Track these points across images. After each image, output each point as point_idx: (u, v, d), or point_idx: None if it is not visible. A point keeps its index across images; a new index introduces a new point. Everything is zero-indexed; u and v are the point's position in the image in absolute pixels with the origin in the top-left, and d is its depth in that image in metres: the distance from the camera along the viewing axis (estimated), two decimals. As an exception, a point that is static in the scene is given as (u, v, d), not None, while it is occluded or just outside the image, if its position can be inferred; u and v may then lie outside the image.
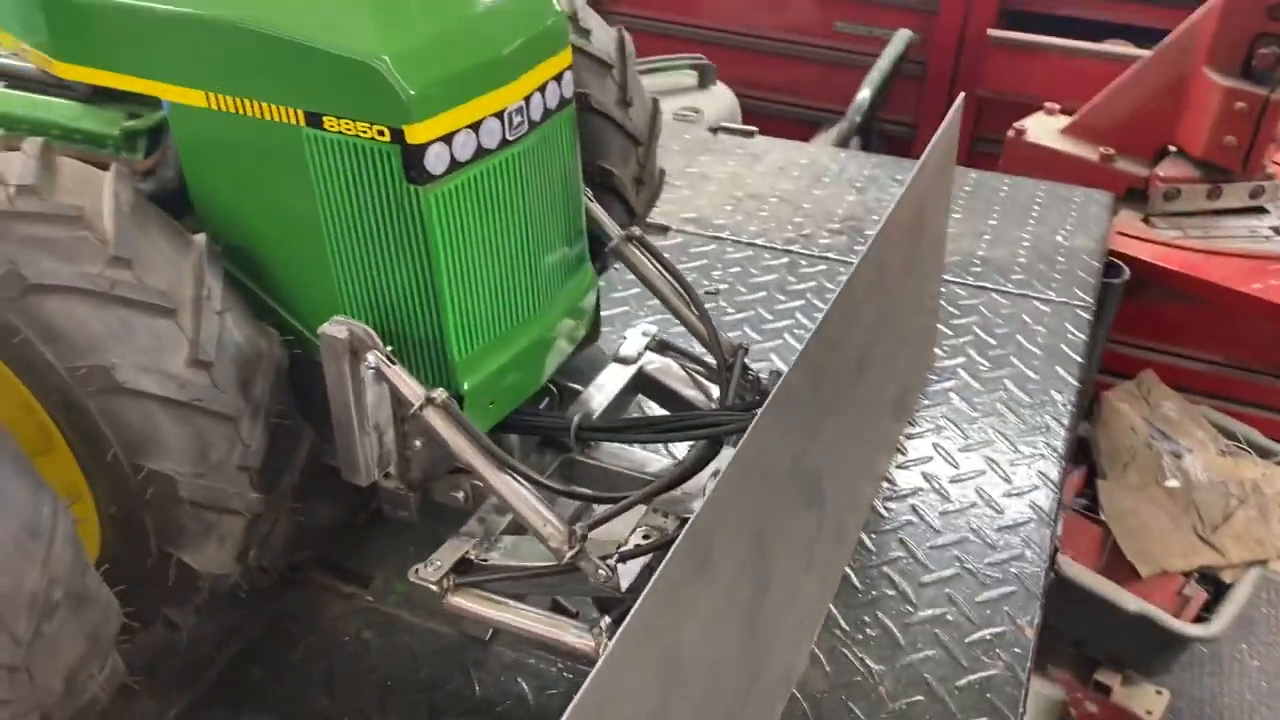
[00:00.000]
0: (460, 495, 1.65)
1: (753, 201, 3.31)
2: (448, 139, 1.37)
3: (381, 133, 1.34)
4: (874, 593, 1.91)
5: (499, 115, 1.43)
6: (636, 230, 1.81)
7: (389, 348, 1.44)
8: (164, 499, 1.42)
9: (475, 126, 1.40)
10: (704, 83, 4.43)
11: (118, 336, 1.37)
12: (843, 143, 3.88)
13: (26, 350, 1.36)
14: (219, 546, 1.53)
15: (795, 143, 3.73)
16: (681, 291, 1.81)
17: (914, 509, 2.09)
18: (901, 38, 4.26)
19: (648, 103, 2.37)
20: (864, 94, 3.89)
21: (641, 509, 1.56)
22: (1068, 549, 3.76)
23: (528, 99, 1.47)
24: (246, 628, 1.87)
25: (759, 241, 3.06)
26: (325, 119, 1.37)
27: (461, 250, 1.44)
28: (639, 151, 2.32)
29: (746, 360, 1.78)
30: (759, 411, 1.30)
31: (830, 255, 2.98)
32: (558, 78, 1.54)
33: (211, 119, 1.47)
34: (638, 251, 1.81)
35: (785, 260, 2.96)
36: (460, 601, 1.52)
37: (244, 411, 1.47)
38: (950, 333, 2.63)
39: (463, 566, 1.55)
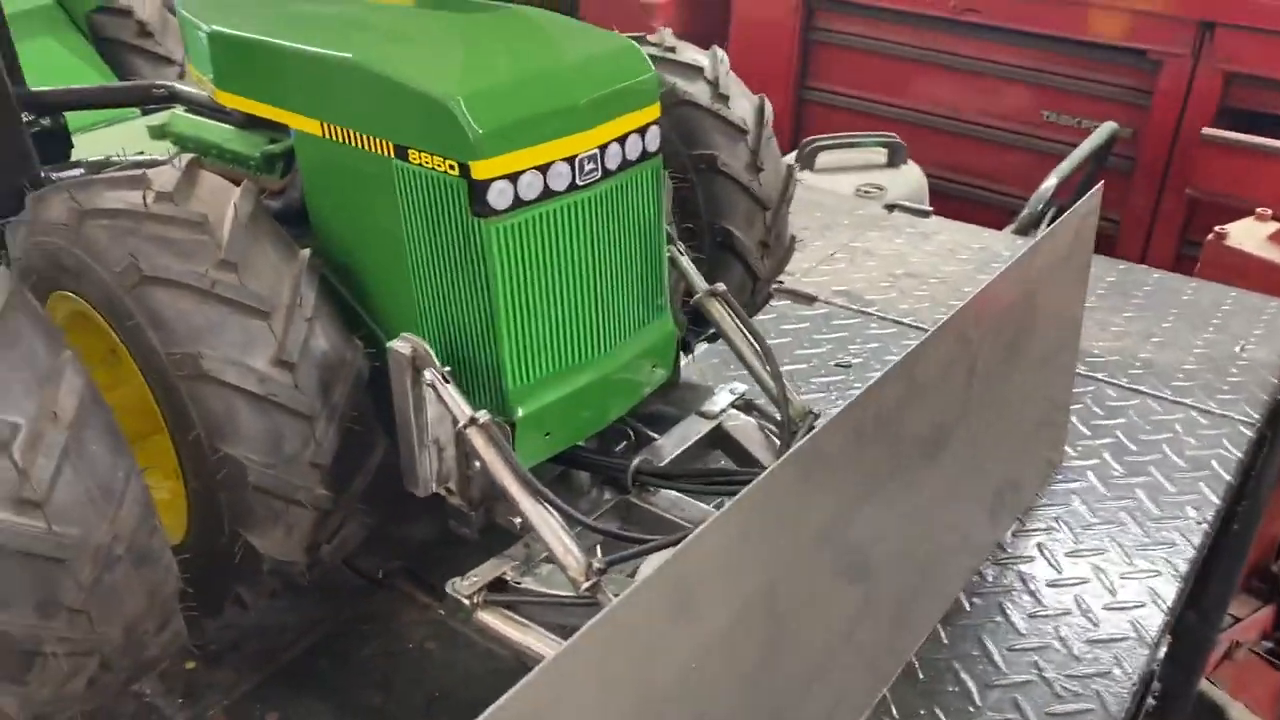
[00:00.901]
0: (517, 521, 1.71)
1: (911, 280, 3.25)
2: (513, 178, 1.46)
3: (453, 167, 1.45)
4: (936, 685, 1.82)
5: (569, 160, 1.51)
6: (721, 287, 1.85)
7: (448, 368, 1.54)
8: (234, 481, 1.56)
9: (544, 169, 1.49)
10: (894, 161, 4.40)
11: (212, 330, 1.52)
12: (1024, 230, 3.74)
13: (137, 334, 1.55)
14: (286, 535, 1.65)
15: (971, 226, 3.63)
16: (760, 351, 1.83)
17: (1000, 607, 1.99)
18: (1105, 130, 4.08)
19: (781, 170, 2.40)
20: (1050, 183, 3.75)
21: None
22: (1240, 695, 3.42)
23: (603, 148, 1.55)
24: (326, 622, 2.00)
25: (906, 320, 3.00)
26: (410, 152, 1.50)
27: (522, 283, 1.52)
28: (766, 216, 2.36)
29: (817, 425, 1.76)
30: (775, 463, 1.30)
31: (978, 341, 2.88)
32: (641, 131, 1.61)
33: (325, 147, 1.63)
34: (721, 307, 1.84)
35: (928, 341, 2.88)
36: (487, 618, 1.58)
37: (321, 412, 1.60)
38: (1089, 433, 2.49)
39: (498, 585, 1.61)
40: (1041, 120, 4.57)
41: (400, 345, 1.53)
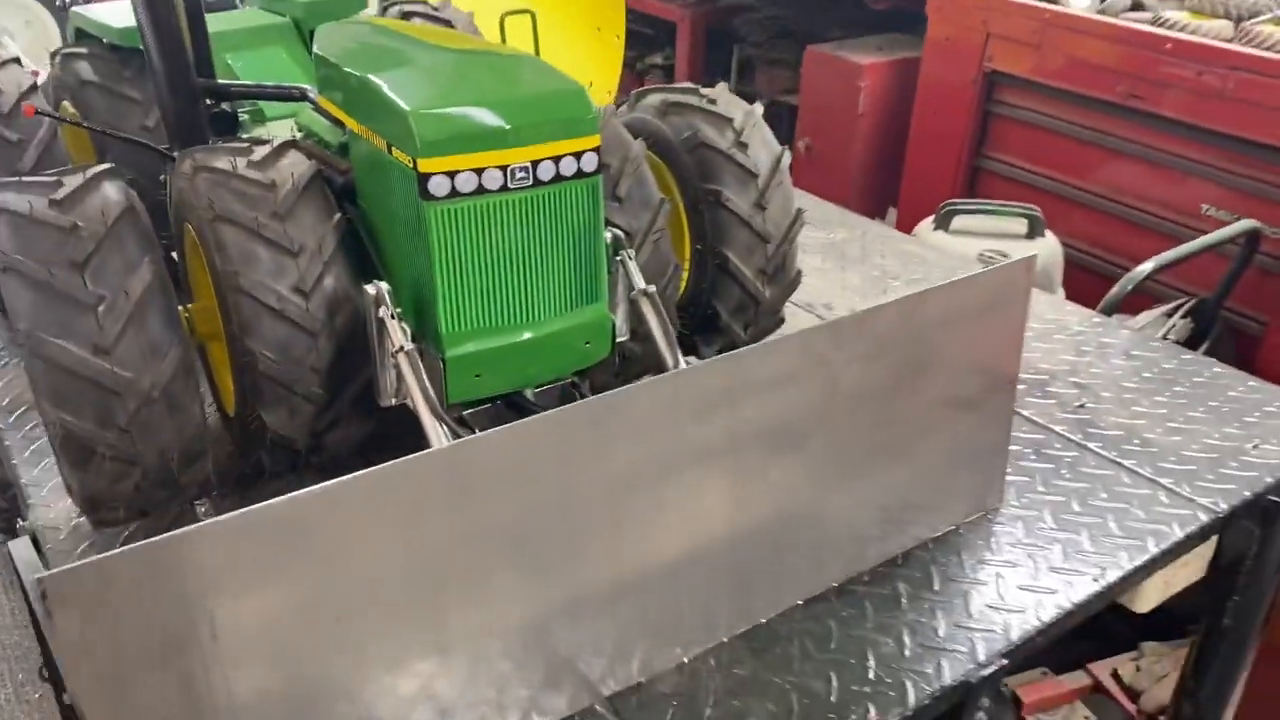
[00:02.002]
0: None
1: (966, 338, 3.46)
2: (451, 174, 1.99)
3: (410, 162, 2.01)
4: (767, 646, 2.16)
5: (503, 168, 2.02)
6: (652, 288, 2.28)
7: (398, 309, 2.09)
8: (249, 367, 2.18)
9: (479, 171, 2.01)
10: (1031, 233, 4.53)
11: (254, 259, 2.16)
12: (1108, 310, 3.81)
13: (210, 255, 2.21)
14: (289, 416, 2.26)
15: (1055, 299, 3.77)
16: (674, 349, 2.26)
17: (861, 604, 2.28)
18: (1238, 227, 4.04)
19: (790, 211, 2.79)
20: (1145, 266, 3.79)
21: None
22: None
23: (536, 163, 2.05)
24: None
25: (936, 370, 3.24)
26: (392, 148, 2.07)
27: (455, 254, 2.05)
28: (767, 248, 2.75)
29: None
30: (566, 406, 1.76)
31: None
32: (577, 155, 2.09)
33: (359, 141, 2.25)
34: (649, 307, 2.28)
35: (945, 390, 3.12)
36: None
37: (323, 330, 2.20)
38: (1043, 489, 2.67)
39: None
40: (1200, 214, 4.53)
41: (370, 288, 2.11)
